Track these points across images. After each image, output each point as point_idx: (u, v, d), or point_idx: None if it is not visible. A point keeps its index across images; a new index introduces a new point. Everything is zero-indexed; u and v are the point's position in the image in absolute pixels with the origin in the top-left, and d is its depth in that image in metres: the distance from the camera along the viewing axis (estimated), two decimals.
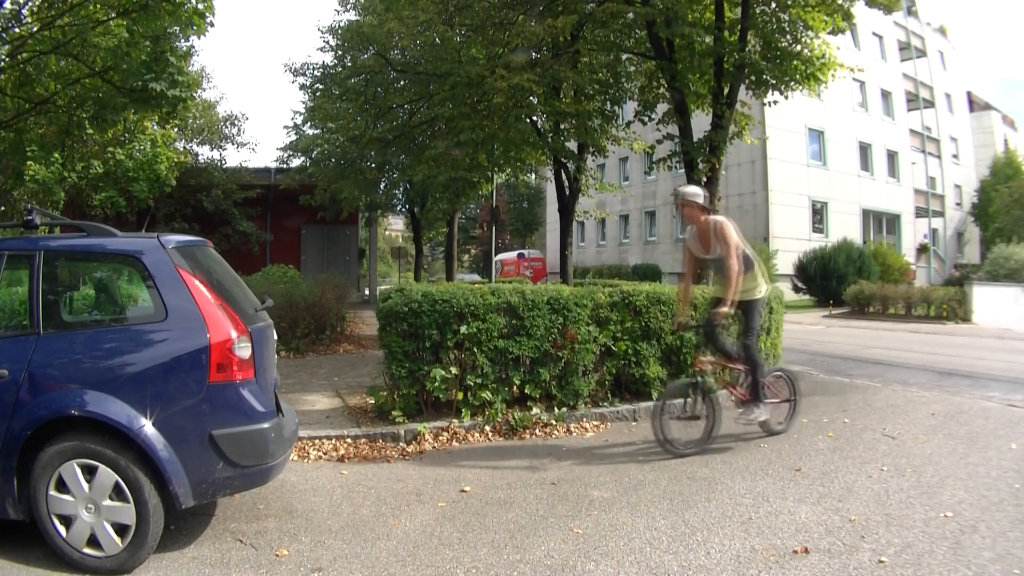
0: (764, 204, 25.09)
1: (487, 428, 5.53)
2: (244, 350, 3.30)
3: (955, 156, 34.38)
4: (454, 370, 5.49)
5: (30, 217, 3.51)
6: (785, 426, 5.52)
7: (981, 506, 3.82)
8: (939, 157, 32.23)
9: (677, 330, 6.00)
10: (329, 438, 5.18)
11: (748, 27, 9.40)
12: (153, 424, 3.10)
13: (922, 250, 30.12)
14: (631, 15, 9.75)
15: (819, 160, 26.54)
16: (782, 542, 3.36)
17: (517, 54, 10.23)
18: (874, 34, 28.47)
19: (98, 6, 8.39)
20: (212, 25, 8.19)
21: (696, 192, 5.35)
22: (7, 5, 8.73)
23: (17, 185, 11.46)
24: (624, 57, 11.46)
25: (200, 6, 7.95)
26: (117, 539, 3.09)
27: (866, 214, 27.90)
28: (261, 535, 3.53)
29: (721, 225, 5.13)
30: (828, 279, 21.27)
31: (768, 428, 5.42)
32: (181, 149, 18.25)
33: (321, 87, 16.13)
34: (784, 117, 22.17)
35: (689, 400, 5.25)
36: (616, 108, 12.28)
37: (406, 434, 5.19)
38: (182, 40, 8.99)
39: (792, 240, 24.44)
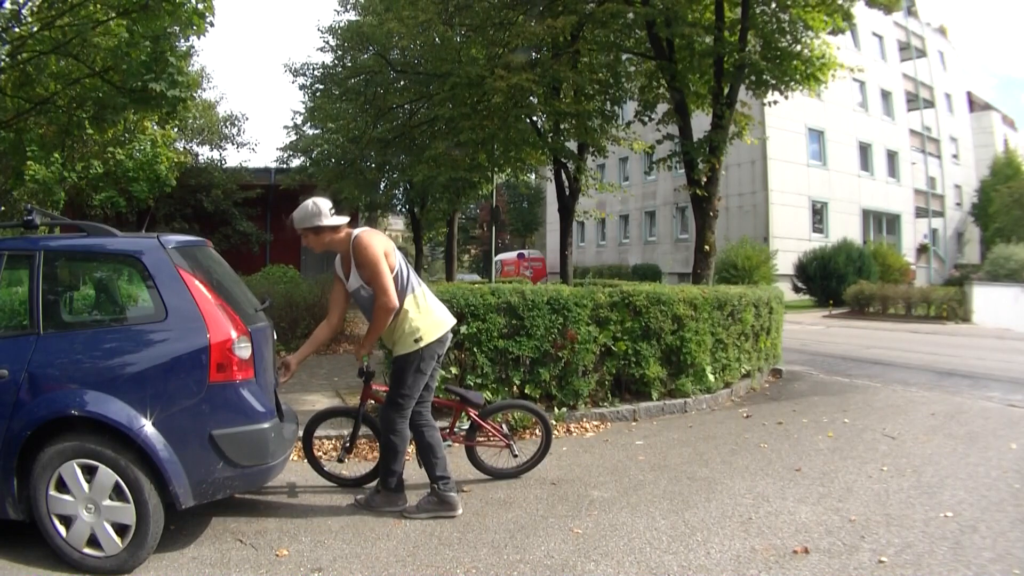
0: (764, 204, 25.11)
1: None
2: (244, 350, 3.30)
3: (955, 156, 34.41)
4: (454, 370, 5.50)
5: (30, 217, 3.51)
6: (517, 470, 4.47)
7: (981, 506, 3.83)
8: (939, 157, 32.25)
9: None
10: (329, 438, 5.18)
11: (748, 27, 9.39)
12: (153, 424, 3.10)
13: (922, 250, 30.14)
14: (631, 15, 9.74)
15: (819, 160, 26.55)
16: (782, 542, 3.36)
17: (517, 54, 10.23)
18: (874, 34, 28.50)
19: (98, 6, 8.38)
20: (212, 25, 8.18)
21: (308, 213, 3.69)
22: (7, 5, 8.73)
23: (17, 185, 11.46)
24: (624, 57, 11.46)
25: (200, 6, 7.94)
26: (117, 539, 3.09)
27: (866, 214, 27.92)
28: (261, 535, 3.53)
29: (358, 242, 3.66)
30: (828, 279, 21.30)
31: (492, 472, 4.47)
32: (181, 149, 18.25)
33: (321, 87, 16.13)
34: (784, 117, 22.19)
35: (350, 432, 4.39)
36: (616, 108, 12.28)
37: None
38: (182, 40, 8.98)
39: (792, 240, 24.45)
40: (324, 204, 3.73)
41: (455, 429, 4.46)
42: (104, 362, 3.20)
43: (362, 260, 3.65)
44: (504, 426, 4.53)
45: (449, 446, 4.34)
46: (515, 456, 4.44)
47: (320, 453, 5.02)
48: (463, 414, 4.44)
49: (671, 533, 3.51)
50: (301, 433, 4.38)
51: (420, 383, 3.84)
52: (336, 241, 3.77)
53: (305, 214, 3.72)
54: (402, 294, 3.73)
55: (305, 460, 4.87)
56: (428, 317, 3.80)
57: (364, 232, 3.72)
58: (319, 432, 4.74)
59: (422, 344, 3.74)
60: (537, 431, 4.96)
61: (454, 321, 4.04)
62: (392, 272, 3.69)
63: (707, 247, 9.55)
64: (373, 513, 3.82)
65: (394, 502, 3.87)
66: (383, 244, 3.70)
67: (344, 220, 3.78)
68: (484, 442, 4.45)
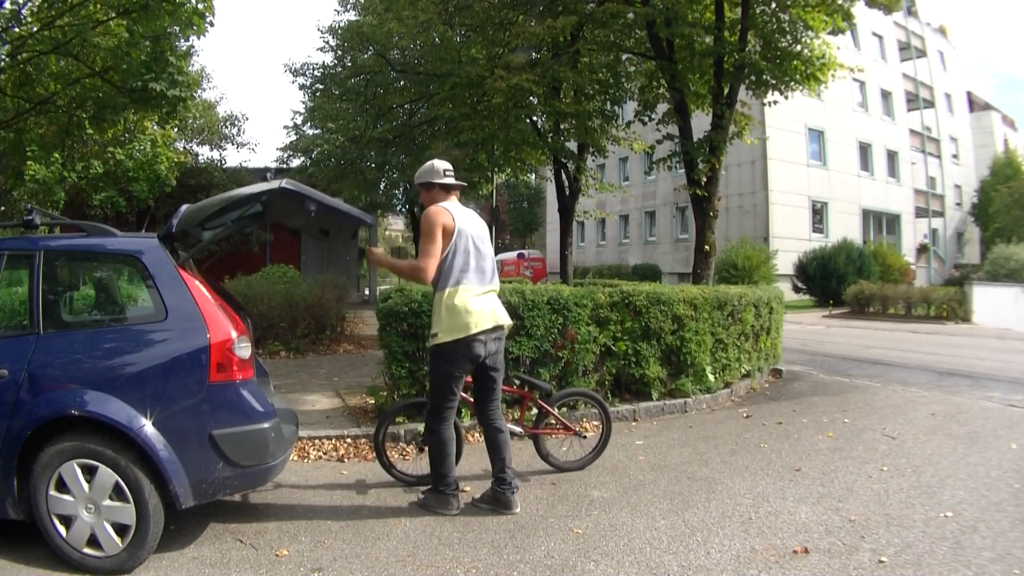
0: (764, 204, 25.11)
1: None
2: (244, 350, 3.30)
3: (955, 156, 34.41)
4: None
5: (30, 217, 3.51)
6: (580, 462, 4.58)
7: (981, 506, 3.83)
8: (939, 157, 32.25)
9: None
10: (329, 438, 5.17)
11: (748, 27, 9.39)
12: (153, 424, 3.10)
13: (922, 250, 30.14)
14: (631, 15, 9.74)
15: (819, 160, 26.55)
16: (782, 542, 3.36)
17: (517, 54, 10.22)
18: (874, 34, 28.49)
19: (98, 6, 8.39)
20: (212, 25, 8.21)
21: (423, 170, 3.86)
22: (7, 5, 8.74)
23: (17, 185, 11.48)
24: (624, 57, 11.45)
25: (200, 6, 7.95)
26: (117, 539, 3.09)
27: (866, 214, 27.92)
28: (261, 535, 3.52)
29: (426, 211, 3.75)
30: (828, 279, 21.29)
31: (557, 465, 4.54)
32: (181, 149, 18.29)
33: (321, 87, 16.14)
34: (784, 117, 22.18)
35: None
36: (616, 108, 12.28)
37: (406, 434, 5.18)
38: (182, 40, 8.99)
39: (792, 240, 24.44)
40: (441, 164, 3.84)
41: (524, 419, 4.59)
42: (104, 362, 3.20)
43: (421, 226, 3.72)
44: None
45: (522, 435, 4.50)
46: (584, 438, 4.60)
47: (321, 453, 5.02)
48: (531, 403, 4.57)
49: (671, 533, 3.51)
50: (373, 431, 4.38)
51: (450, 384, 3.74)
52: (433, 203, 3.79)
53: (422, 171, 3.87)
54: (442, 279, 3.67)
55: (305, 460, 4.87)
56: (453, 317, 3.62)
57: (438, 205, 3.75)
58: (324, 432, 4.73)
59: (438, 341, 3.67)
60: (596, 423, 4.99)
61: (489, 325, 3.70)
62: (444, 251, 3.66)
63: (707, 247, 9.55)
64: (375, 513, 3.82)
65: (445, 504, 3.79)
66: (444, 221, 3.67)
67: (457, 184, 3.84)
68: (549, 429, 4.56)
